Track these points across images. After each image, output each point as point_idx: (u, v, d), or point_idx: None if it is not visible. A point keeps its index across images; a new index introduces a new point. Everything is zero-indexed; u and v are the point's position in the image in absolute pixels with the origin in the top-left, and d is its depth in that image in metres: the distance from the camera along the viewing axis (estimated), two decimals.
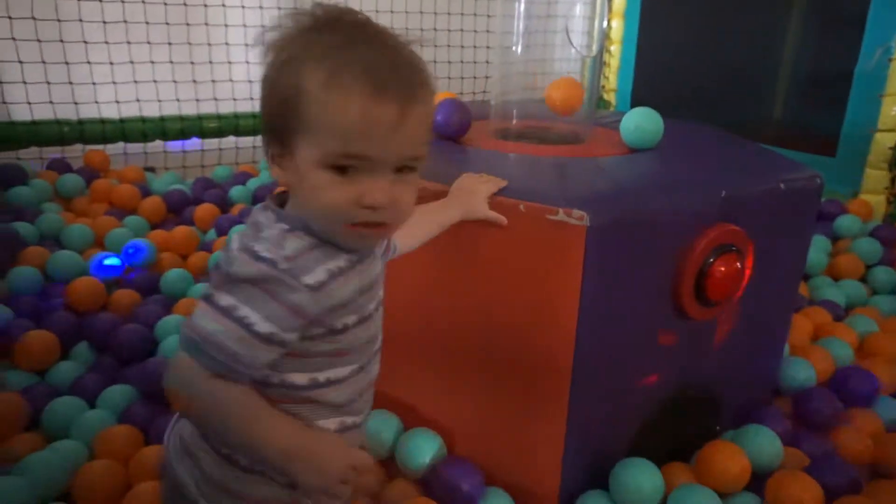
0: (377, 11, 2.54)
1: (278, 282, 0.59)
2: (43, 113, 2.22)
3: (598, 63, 1.42)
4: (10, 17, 2.10)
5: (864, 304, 1.78)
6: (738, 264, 1.06)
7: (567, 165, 1.11)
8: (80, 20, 2.22)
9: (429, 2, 2.78)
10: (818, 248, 1.94)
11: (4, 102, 2.21)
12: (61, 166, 2.20)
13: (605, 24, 1.42)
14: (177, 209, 2.10)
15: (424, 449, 1.09)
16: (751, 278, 1.10)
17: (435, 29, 2.80)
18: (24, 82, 2.20)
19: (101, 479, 1.05)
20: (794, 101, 2.66)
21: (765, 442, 1.14)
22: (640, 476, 1.04)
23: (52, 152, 2.27)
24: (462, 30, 2.85)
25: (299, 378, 0.65)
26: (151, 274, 1.70)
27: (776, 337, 1.32)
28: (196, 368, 0.60)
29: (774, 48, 2.63)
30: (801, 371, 1.35)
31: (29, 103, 2.21)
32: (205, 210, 2.04)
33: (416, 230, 0.87)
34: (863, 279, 1.87)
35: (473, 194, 0.96)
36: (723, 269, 1.04)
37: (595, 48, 1.44)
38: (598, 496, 1.05)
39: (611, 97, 3.17)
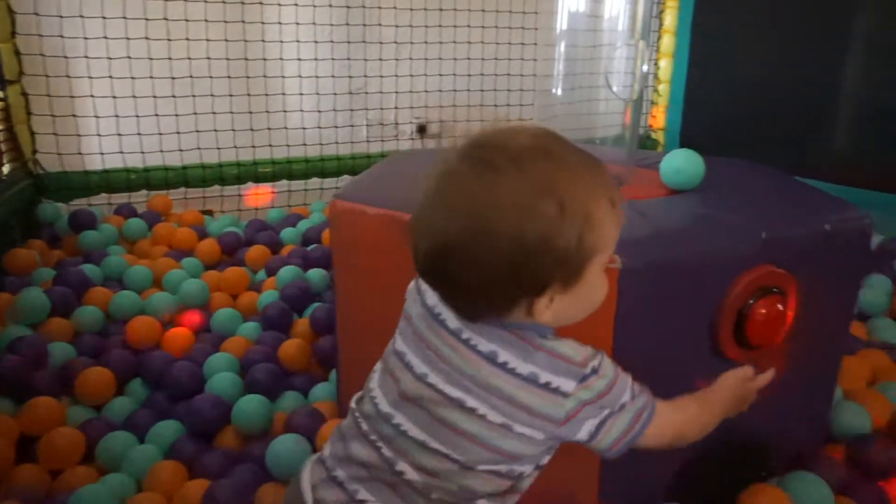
0: (396, 43, 2.61)
1: None
2: (113, 162, 2.42)
3: (639, 106, 1.44)
4: (90, 77, 2.33)
5: None
6: (781, 307, 1.04)
7: None
8: (151, 77, 2.41)
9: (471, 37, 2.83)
10: (879, 289, 1.87)
11: (80, 153, 2.39)
12: (128, 211, 2.35)
13: (646, 67, 1.44)
14: (230, 251, 2.17)
15: None
16: (796, 321, 1.08)
17: (468, 74, 2.87)
18: (98, 135, 2.39)
19: None
20: (856, 137, 2.59)
21: (812, 489, 1.11)
22: None
23: (120, 198, 2.45)
24: (495, 74, 2.91)
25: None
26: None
27: (825, 381, 1.27)
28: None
29: (833, 82, 2.57)
30: (855, 417, 1.30)
31: (101, 154, 2.40)
32: (256, 251, 2.10)
33: None
34: None
35: None
36: (764, 311, 1.03)
37: (636, 91, 1.46)
38: None
39: (660, 136, 3.16)
